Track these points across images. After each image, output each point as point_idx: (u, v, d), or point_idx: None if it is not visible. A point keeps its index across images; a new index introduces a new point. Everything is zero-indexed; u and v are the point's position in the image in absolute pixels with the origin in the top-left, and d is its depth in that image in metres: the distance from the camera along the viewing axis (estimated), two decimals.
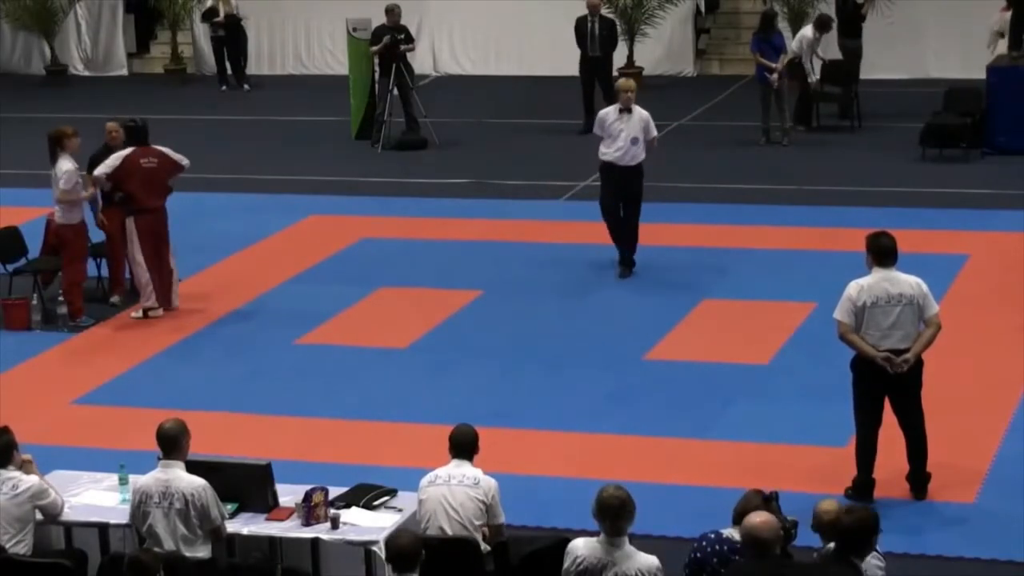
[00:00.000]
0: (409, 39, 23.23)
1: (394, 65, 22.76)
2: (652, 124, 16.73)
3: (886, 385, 11.29)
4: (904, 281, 11.26)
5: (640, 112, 16.59)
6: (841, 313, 11.27)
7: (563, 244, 18.24)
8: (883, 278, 11.24)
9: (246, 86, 28.15)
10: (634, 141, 16.51)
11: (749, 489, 9.09)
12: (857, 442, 11.53)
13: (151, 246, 15.92)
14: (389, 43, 22.66)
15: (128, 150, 15.83)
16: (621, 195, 16.76)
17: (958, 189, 19.86)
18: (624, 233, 16.91)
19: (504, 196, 20.36)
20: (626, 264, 17.02)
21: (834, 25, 23.36)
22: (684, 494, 11.78)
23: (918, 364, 11.31)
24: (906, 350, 11.20)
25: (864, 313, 11.20)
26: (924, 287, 11.28)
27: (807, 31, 22.93)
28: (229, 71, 28.50)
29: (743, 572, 8.39)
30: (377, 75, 23.19)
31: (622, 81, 17.06)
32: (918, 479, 11.55)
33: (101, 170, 15.74)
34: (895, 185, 20.08)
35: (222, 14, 28.05)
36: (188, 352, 15.32)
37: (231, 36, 28.30)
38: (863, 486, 11.48)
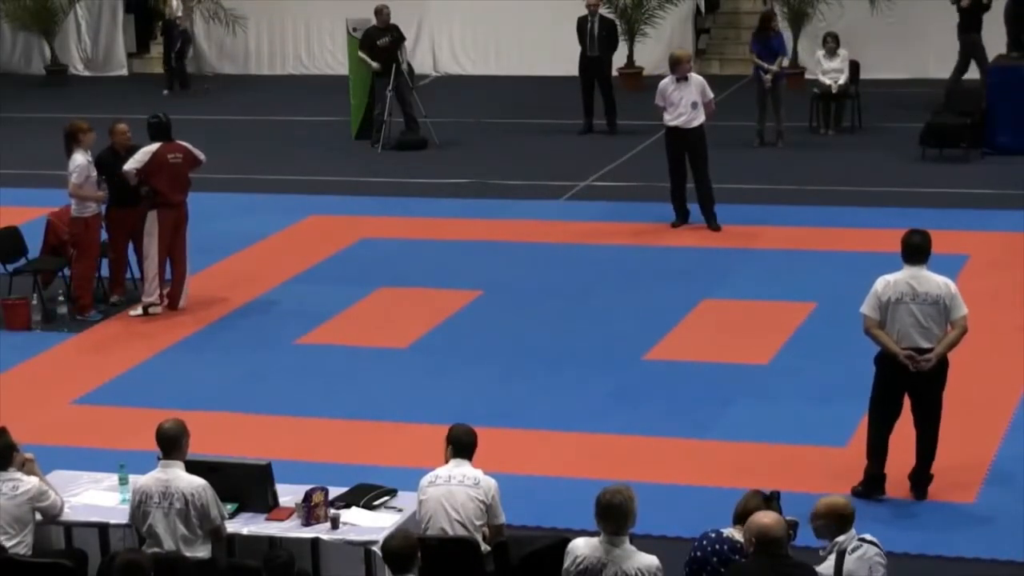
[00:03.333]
0: (400, 37, 23.18)
1: (393, 65, 22.78)
2: (708, 87, 18.38)
3: (908, 383, 11.28)
4: (932, 281, 11.23)
5: (695, 78, 18.33)
6: (867, 307, 11.29)
7: (563, 244, 18.25)
8: (910, 276, 11.24)
9: (165, 91, 27.70)
10: (694, 105, 18.11)
11: (749, 489, 9.10)
12: (869, 436, 11.47)
13: (167, 241, 15.97)
14: (388, 44, 22.66)
15: (155, 145, 15.90)
16: (688, 156, 18.23)
17: (958, 189, 19.86)
18: (700, 195, 18.38)
19: (504, 196, 20.37)
20: (710, 219, 18.36)
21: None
22: (684, 494, 11.78)
23: (942, 364, 11.27)
24: (929, 349, 11.18)
25: (888, 309, 11.21)
26: (953, 288, 11.23)
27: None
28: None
29: (745, 572, 8.39)
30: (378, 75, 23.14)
31: (680, 52, 18.93)
32: (921, 479, 11.54)
33: (131, 165, 15.78)
34: (895, 185, 20.08)
35: (167, 17, 27.90)
36: (188, 352, 15.32)
37: (169, 39, 28.10)
38: (873, 480, 11.45)
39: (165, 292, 16.24)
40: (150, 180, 15.85)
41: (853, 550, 8.71)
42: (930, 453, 11.52)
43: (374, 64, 22.82)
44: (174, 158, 15.97)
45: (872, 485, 11.46)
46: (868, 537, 8.86)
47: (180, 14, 28.04)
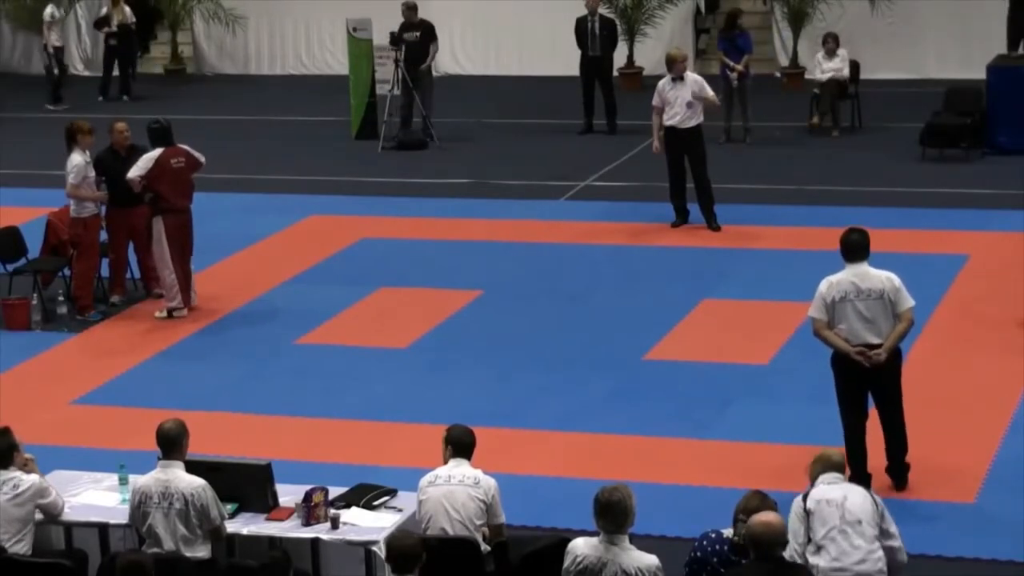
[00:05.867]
0: (430, 35, 23.23)
1: (398, 65, 22.86)
2: (706, 85, 18.32)
3: (866, 379, 11.35)
4: (875, 276, 11.32)
5: (692, 76, 18.28)
6: (814, 310, 11.40)
7: (563, 244, 18.25)
8: (853, 274, 11.33)
9: (125, 96, 27.53)
10: (690, 104, 18.04)
11: (749, 489, 9.10)
12: (846, 438, 11.53)
13: (177, 246, 15.94)
14: (416, 39, 22.87)
15: (158, 151, 15.84)
16: (686, 156, 18.17)
17: (958, 189, 19.85)
18: (699, 195, 18.31)
19: (504, 196, 20.37)
20: (710, 219, 18.31)
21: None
22: (684, 494, 11.79)
23: (896, 357, 11.37)
24: (880, 345, 11.23)
25: (834, 308, 11.28)
26: (896, 281, 11.31)
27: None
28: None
29: (744, 574, 8.39)
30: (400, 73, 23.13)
31: (675, 52, 18.76)
32: (897, 470, 11.57)
33: (135, 172, 15.71)
34: (895, 185, 20.08)
35: (115, 23, 27.70)
36: (188, 352, 15.32)
37: (123, 45, 27.89)
38: (859, 482, 11.46)
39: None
40: (154, 186, 15.80)
41: (830, 483, 9.05)
42: (901, 445, 11.54)
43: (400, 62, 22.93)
44: (177, 162, 15.93)
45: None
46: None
47: (130, 22, 27.87)
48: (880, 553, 8.91)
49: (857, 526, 8.89)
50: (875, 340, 11.25)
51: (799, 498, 9.07)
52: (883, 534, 8.97)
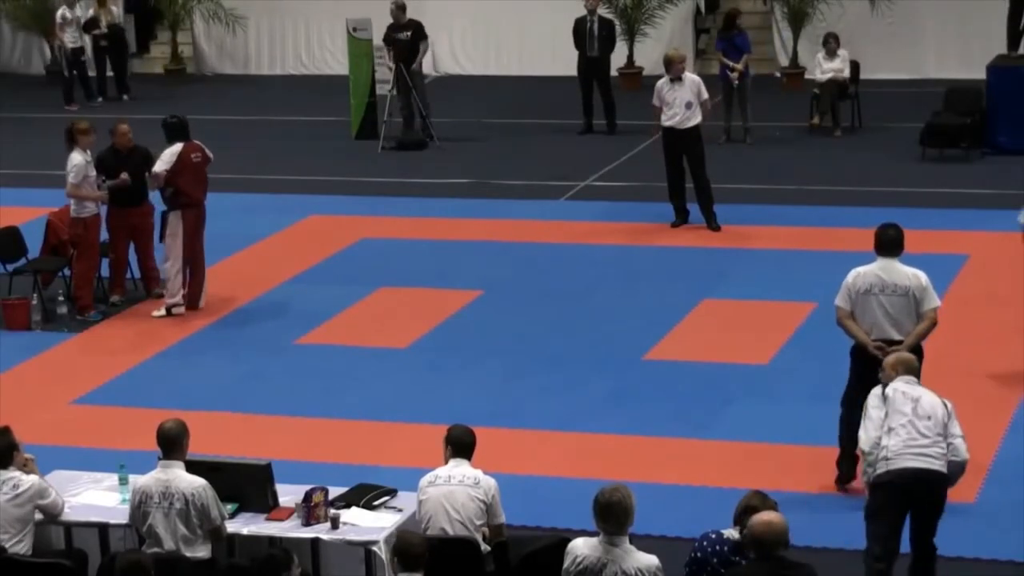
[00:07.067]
0: (420, 35, 23.23)
1: (403, 64, 22.87)
2: (703, 87, 18.32)
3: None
4: (902, 272, 11.32)
5: (690, 77, 18.34)
6: (839, 299, 11.46)
7: (563, 244, 18.25)
8: (881, 267, 11.36)
9: (125, 96, 27.54)
10: (688, 105, 18.06)
11: (750, 489, 9.10)
12: (842, 427, 11.49)
13: (190, 242, 15.97)
14: (408, 39, 22.78)
15: (179, 146, 15.90)
16: (684, 156, 18.19)
17: (958, 189, 19.86)
18: (699, 195, 18.34)
19: (504, 196, 20.37)
20: (710, 219, 18.33)
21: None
22: (684, 494, 11.79)
23: (916, 355, 11.31)
24: (900, 341, 11.21)
25: (858, 300, 11.30)
26: (924, 280, 11.31)
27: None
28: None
29: (744, 574, 8.39)
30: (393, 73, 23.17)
31: (673, 53, 18.83)
32: None
33: (160, 167, 15.79)
34: (895, 185, 20.08)
35: (104, 24, 27.63)
36: (188, 352, 15.32)
37: (113, 46, 27.80)
38: (848, 469, 11.49)
39: (184, 292, 16.22)
40: (176, 180, 15.84)
41: (908, 382, 9.79)
42: None
43: (389, 63, 22.88)
44: (196, 157, 16.02)
45: (848, 481, 11.49)
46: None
47: (119, 22, 27.81)
48: (945, 448, 9.65)
49: (926, 420, 9.64)
50: (897, 337, 11.25)
51: (877, 388, 9.89)
52: (948, 435, 9.66)
